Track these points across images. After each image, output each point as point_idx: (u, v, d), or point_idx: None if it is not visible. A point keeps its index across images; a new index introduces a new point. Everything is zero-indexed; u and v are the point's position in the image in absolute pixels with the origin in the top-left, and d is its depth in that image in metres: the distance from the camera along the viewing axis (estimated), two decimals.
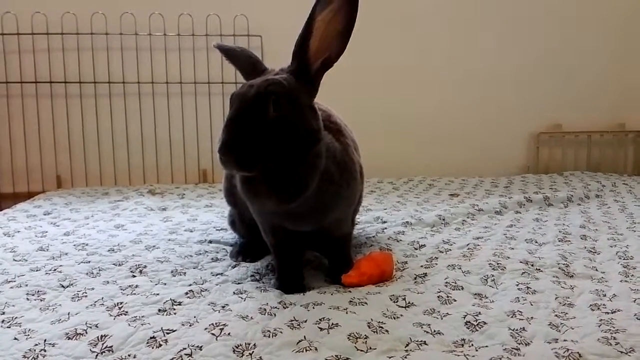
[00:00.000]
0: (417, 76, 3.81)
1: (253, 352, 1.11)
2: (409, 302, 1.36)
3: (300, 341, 1.14)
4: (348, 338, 1.14)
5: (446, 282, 1.50)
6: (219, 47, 1.60)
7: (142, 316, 1.27)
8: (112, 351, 1.11)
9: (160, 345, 1.13)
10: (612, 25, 3.92)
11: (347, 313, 1.26)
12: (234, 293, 1.45)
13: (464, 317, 1.26)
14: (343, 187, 1.43)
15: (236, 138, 1.23)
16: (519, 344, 1.15)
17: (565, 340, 1.16)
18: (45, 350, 1.11)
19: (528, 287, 1.48)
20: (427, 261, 1.73)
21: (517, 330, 1.21)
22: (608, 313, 1.32)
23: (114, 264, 1.67)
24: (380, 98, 3.73)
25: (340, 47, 1.36)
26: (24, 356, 1.10)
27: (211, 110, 3.55)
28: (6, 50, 3.39)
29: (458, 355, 1.09)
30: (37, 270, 1.61)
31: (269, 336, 1.16)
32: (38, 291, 1.45)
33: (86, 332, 1.19)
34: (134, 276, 1.59)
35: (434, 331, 1.20)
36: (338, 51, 1.36)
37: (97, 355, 1.10)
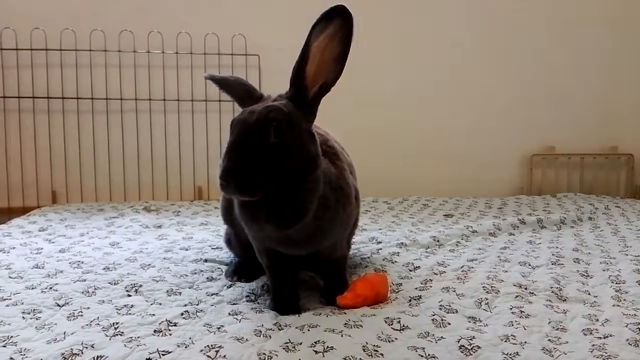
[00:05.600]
0: (413, 98, 3.85)
1: None
2: (403, 325, 1.36)
3: None
4: None
5: (440, 305, 1.51)
6: (211, 78, 1.60)
7: (138, 337, 1.27)
8: None
9: None
10: (604, 49, 3.98)
11: (342, 336, 1.27)
12: (229, 314, 1.45)
13: (458, 341, 1.27)
14: (339, 212, 1.44)
15: (237, 164, 1.25)
16: None
17: None
18: None
19: (521, 311, 1.49)
20: (421, 283, 1.74)
21: (510, 354, 1.22)
22: (600, 338, 1.33)
23: (109, 283, 1.68)
24: (376, 119, 3.76)
25: (336, 72, 1.38)
26: None
27: (207, 127, 3.57)
28: (4, 65, 3.41)
29: None
30: (32, 288, 1.61)
31: (265, 359, 1.16)
32: (34, 309, 1.45)
33: (82, 353, 1.19)
34: (130, 295, 1.59)
35: (429, 355, 1.21)
36: (334, 76, 1.38)
37: None
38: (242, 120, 1.32)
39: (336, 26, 1.34)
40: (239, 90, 1.55)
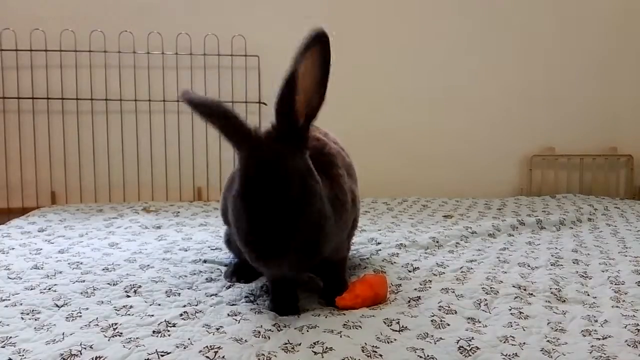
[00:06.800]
0: (412, 99, 3.85)
1: None
2: (402, 326, 1.37)
3: None
4: None
5: (440, 306, 1.51)
6: (188, 101, 1.36)
7: (137, 337, 1.27)
8: None
9: None
10: (604, 50, 3.98)
11: (341, 337, 1.27)
12: (228, 315, 1.45)
13: (457, 342, 1.27)
14: (336, 221, 1.43)
15: (264, 232, 1.24)
16: None
17: None
18: None
19: (520, 312, 1.49)
20: (420, 284, 1.74)
21: (509, 355, 1.22)
22: (599, 339, 1.33)
23: (108, 284, 1.68)
24: (376, 120, 3.76)
25: (320, 96, 1.33)
26: None
27: (207, 128, 3.55)
28: (4, 65, 3.41)
29: None
30: (31, 289, 1.61)
31: None
32: (33, 310, 1.45)
33: (81, 353, 1.19)
34: (129, 296, 1.59)
35: (428, 356, 1.21)
36: (319, 101, 1.34)
37: None
38: (254, 178, 1.27)
39: (316, 51, 1.30)
40: (221, 121, 1.33)
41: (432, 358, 1.20)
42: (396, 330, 1.34)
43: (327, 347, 1.21)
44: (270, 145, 1.30)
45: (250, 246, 1.25)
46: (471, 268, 1.91)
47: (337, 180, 1.50)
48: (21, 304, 1.48)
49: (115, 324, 1.35)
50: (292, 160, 1.30)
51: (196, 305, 1.52)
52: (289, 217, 1.25)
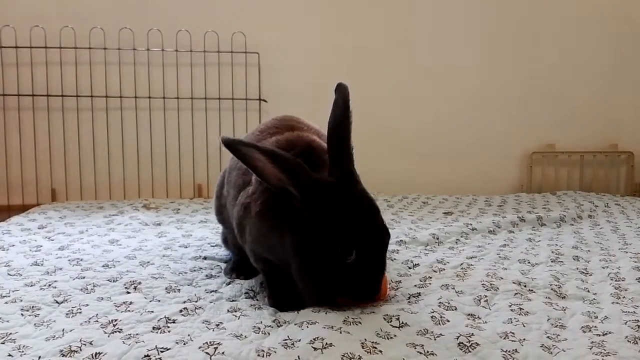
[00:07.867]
0: (412, 95, 3.85)
1: None
2: (402, 322, 1.36)
3: None
4: (342, 358, 1.15)
5: (440, 302, 1.51)
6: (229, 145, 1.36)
7: (137, 334, 1.27)
8: None
9: None
10: (605, 46, 3.98)
11: (341, 333, 1.27)
12: (228, 311, 1.45)
13: (457, 338, 1.27)
14: None
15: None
16: None
17: None
18: None
19: (520, 308, 1.49)
20: (420, 280, 1.74)
21: (509, 351, 1.22)
22: (599, 335, 1.33)
23: (108, 280, 1.68)
24: (376, 117, 3.75)
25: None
26: None
27: (207, 125, 3.57)
28: (4, 62, 3.41)
29: None
30: (31, 286, 1.61)
31: (263, 355, 1.16)
32: (32, 306, 1.45)
33: (80, 349, 1.19)
34: (129, 292, 1.59)
35: (427, 352, 1.20)
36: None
37: None
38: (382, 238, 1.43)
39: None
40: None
41: (432, 354, 1.20)
42: (396, 327, 1.34)
43: (327, 343, 1.20)
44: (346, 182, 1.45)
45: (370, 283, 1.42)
46: (471, 264, 1.91)
47: None
48: (21, 301, 1.48)
49: (115, 320, 1.35)
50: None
51: (196, 302, 1.52)
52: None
